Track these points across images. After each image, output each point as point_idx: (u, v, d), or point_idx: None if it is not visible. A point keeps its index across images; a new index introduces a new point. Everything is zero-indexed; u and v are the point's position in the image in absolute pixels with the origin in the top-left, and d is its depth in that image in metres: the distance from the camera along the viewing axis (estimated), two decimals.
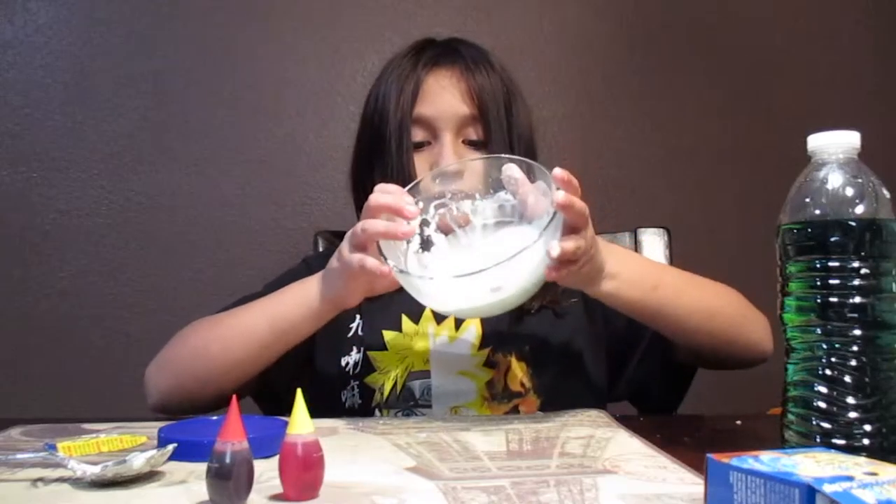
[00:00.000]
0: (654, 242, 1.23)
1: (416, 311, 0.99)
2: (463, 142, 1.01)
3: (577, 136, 1.62)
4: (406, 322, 0.97)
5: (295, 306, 0.87)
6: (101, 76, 1.52)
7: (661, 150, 1.64)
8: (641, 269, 0.90)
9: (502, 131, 1.00)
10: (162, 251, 1.52)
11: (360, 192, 1.08)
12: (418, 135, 1.01)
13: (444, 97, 1.00)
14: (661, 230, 1.22)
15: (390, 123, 1.00)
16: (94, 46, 1.52)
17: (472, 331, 0.95)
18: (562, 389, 0.95)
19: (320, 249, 1.26)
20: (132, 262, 1.51)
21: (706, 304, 0.92)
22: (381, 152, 1.02)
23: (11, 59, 1.51)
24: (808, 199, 0.60)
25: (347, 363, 1.00)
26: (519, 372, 0.94)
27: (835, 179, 0.59)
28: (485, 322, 0.94)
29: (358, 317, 1.00)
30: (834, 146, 0.60)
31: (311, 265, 1.12)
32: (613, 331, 1.02)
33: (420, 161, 1.01)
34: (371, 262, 0.78)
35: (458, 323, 0.95)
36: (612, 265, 0.83)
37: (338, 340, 0.97)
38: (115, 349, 1.50)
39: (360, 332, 1.01)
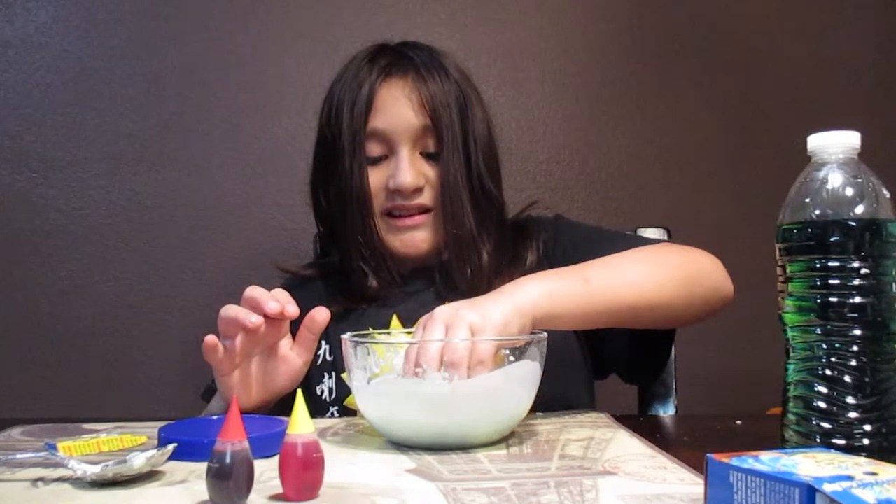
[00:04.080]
0: None
1: (382, 322, 0.98)
2: (420, 153, 1.01)
3: (577, 136, 1.62)
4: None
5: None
6: (101, 76, 1.52)
7: (662, 150, 1.64)
8: (555, 275, 0.83)
9: (456, 140, 0.99)
10: (162, 251, 1.52)
11: (319, 202, 1.07)
12: (374, 150, 1.00)
13: (398, 109, 0.99)
14: (661, 230, 1.22)
15: (344, 137, 0.99)
16: (94, 46, 1.52)
17: None
18: (551, 388, 0.95)
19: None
20: (132, 262, 1.51)
21: (649, 272, 0.86)
22: (336, 166, 1.01)
23: (11, 59, 1.51)
24: (808, 199, 0.60)
25: (322, 391, 0.99)
26: None
27: (835, 179, 0.59)
28: None
29: (324, 342, 0.99)
30: (834, 146, 0.60)
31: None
32: None
33: (376, 176, 1.00)
34: (208, 337, 0.77)
35: None
36: (522, 289, 0.77)
37: (309, 371, 0.92)
38: (115, 349, 1.50)
39: (328, 357, 1.00)
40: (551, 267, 1.02)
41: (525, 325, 0.75)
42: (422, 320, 0.73)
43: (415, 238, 1.01)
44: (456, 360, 0.66)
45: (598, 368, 1.06)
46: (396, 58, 1.03)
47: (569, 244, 1.04)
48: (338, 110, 1.01)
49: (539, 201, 1.13)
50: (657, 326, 0.92)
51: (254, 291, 0.79)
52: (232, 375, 0.81)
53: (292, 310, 0.79)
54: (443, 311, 0.72)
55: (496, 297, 0.76)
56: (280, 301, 0.78)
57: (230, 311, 0.78)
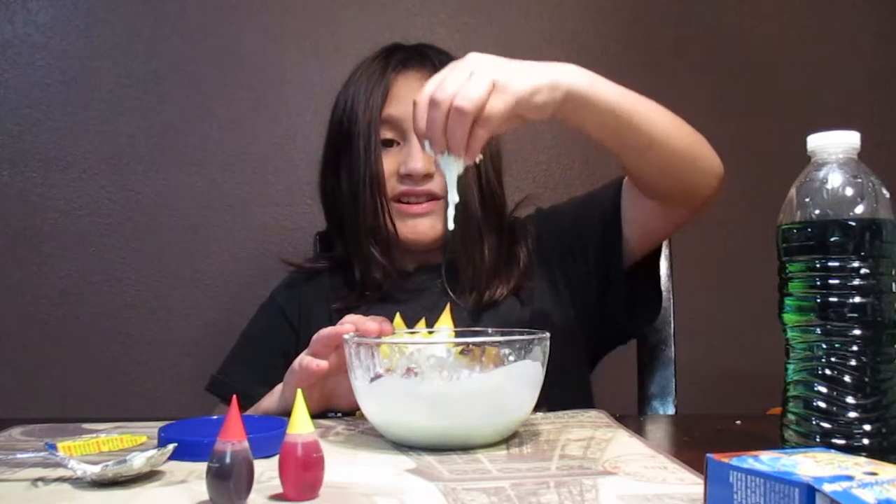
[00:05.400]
0: None
1: None
2: None
3: (578, 136, 1.62)
4: None
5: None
6: (101, 76, 1.52)
7: None
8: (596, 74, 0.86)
9: None
10: (162, 251, 1.52)
11: (329, 195, 1.09)
12: (387, 133, 1.03)
13: (412, 99, 1.01)
14: None
15: (359, 124, 1.02)
16: (94, 46, 1.52)
17: (444, 331, 0.90)
18: (550, 387, 0.94)
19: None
20: (132, 262, 1.51)
21: (669, 118, 0.91)
22: (349, 152, 1.03)
23: (11, 59, 1.51)
24: (808, 199, 0.60)
25: None
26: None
27: (835, 179, 0.59)
28: (455, 321, 0.88)
29: None
30: (834, 146, 0.60)
31: (277, 299, 1.12)
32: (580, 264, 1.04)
33: (388, 162, 1.02)
34: (307, 359, 0.77)
35: (430, 325, 0.91)
36: (568, 66, 0.82)
37: None
38: (115, 349, 1.50)
39: None
40: (543, 261, 1.04)
41: (554, 100, 0.79)
42: (453, 63, 0.77)
43: (423, 225, 1.04)
44: (465, 105, 0.72)
45: (600, 336, 1.07)
46: (412, 53, 1.07)
47: (556, 219, 1.08)
48: (354, 99, 1.04)
49: (531, 195, 1.15)
50: (661, 176, 0.92)
51: (351, 317, 0.78)
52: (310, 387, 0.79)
53: (388, 327, 0.78)
54: (476, 56, 0.76)
55: (541, 63, 0.80)
56: (376, 320, 0.77)
57: (329, 330, 0.77)
